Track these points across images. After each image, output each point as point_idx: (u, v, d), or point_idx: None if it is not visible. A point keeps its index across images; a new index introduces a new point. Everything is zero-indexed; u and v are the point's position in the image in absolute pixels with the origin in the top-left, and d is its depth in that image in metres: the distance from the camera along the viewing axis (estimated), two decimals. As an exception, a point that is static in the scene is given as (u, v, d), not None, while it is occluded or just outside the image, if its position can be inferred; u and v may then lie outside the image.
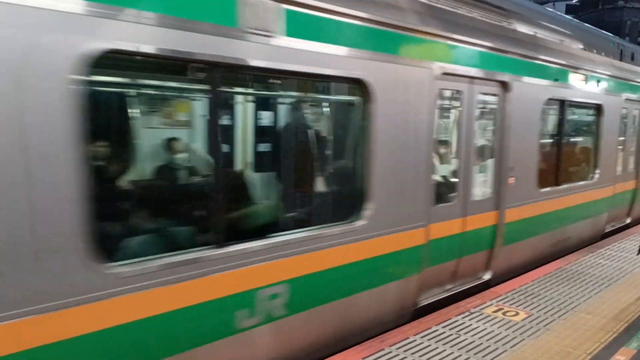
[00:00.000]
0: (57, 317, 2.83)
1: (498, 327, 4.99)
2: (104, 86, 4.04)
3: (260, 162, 4.84)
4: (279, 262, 3.92)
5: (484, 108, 6.12)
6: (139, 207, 4.04)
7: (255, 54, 3.62)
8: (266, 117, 4.94)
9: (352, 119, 4.88)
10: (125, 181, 4.05)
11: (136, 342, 3.21)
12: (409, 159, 4.98)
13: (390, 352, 4.42)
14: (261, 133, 4.99)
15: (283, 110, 5.33)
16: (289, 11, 3.76)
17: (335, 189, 5.05)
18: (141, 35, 3.05)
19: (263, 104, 5.17)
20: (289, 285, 4.02)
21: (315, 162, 5.06)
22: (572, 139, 8.67)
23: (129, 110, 4.36)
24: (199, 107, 4.75)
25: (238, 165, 4.41)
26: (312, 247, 4.17)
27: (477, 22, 5.89)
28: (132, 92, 4.36)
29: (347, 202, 4.77)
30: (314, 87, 5.02)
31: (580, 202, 8.16)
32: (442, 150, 5.95)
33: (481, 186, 6.23)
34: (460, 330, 4.92)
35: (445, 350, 4.49)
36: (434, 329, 4.92)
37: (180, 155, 4.51)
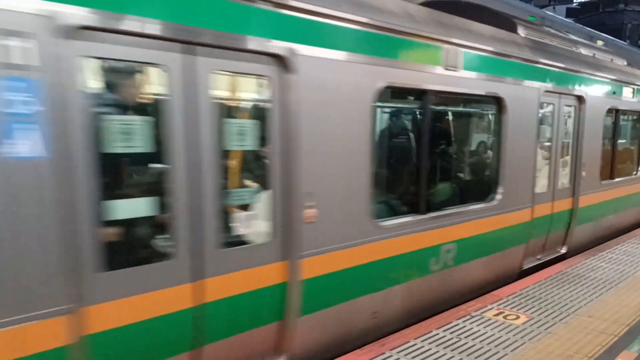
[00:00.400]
0: (357, 250, 4.56)
1: (499, 331, 4.98)
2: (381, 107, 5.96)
3: (443, 157, 6.44)
4: (452, 227, 5.61)
5: (566, 116, 7.83)
6: (387, 186, 5.65)
7: (448, 82, 5.38)
8: (445, 126, 6.64)
9: (492, 126, 6.67)
10: (383, 169, 5.69)
11: (390, 270, 4.97)
12: (524, 155, 6.64)
13: (391, 356, 4.42)
14: (444, 136, 6.66)
15: (451, 120, 6.99)
16: (465, 52, 5.52)
17: (482, 176, 6.91)
18: (401, 76, 4.87)
19: (446, 115, 6.88)
20: (456, 244, 5.70)
21: (472, 156, 7.10)
22: (622, 141, 10.21)
23: (392, 120, 6.28)
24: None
25: (434, 159, 5.94)
26: (468, 218, 5.85)
27: (561, 50, 7.67)
28: (390, 109, 6.29)
29: (488, 186, 6.41)
30: (473, 103, 6.89)
31: (628, 193, 9.97)
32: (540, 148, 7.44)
33: (563, 177, 7.86)
34: (461, 334, 4.91)
35: (445, 354, 4.48)
36: (434, 332, 4.92)
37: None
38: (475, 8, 7.03)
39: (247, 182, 4.01)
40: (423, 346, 4.62)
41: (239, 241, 3.83)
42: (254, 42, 3.65)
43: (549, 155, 7.48)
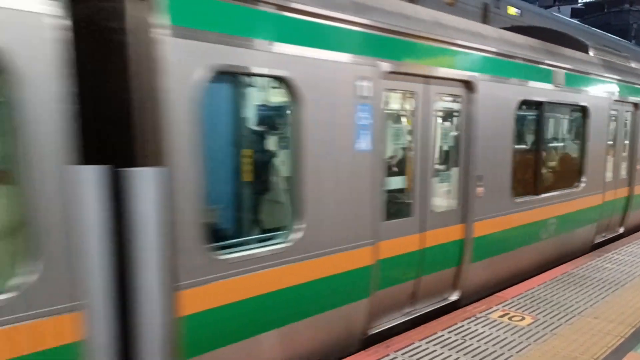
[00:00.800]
0: (502, 219, 6.35)
1: (504, 332, 4.98)
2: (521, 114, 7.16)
3: (550, 152, 8.10)
4: (553, 206, 7.39)
5: (626, 120, 9.72)
6: (517, 172, 6.75)
7: (556, 96, 7.24)
8: (552, 128, 8.34)
9: (578, 128, 8.35)
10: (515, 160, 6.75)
11: (520, 235, 6.76)
12: (599, 151, 8.49)
13: (396, 357, 4.42)
14: (552, 136, 8.42)
15: (555, 124, 8.68)
16: (566, 73, 7.38)
17: (573, 167, 8.26)
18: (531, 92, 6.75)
19: (553, 120, 8.52)
20: (557, 220, 7.49)
21: (566, 151, 8.57)
22: None
23: (519, 124, 7.25)
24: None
25: (545, 153, 7.61)
26: (564, 199, 7.69)
27: (620, 66, 9.38)
28: (526, 115, 7.53)
29: (576, 174, 8.15)
30: (566, 110, 8.48)
31: None
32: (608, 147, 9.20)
33: (623, 170, 9.70)
34: (466, 335, 4.92)
35: (451, 355, 4.49)
36: (439, 334, 4.92)
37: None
38: (553, 33, 8.88)
39: (446, 167, 5.78)
40: (428, 347, 4.62)
41: (440, 207, 5.63)
42: (458, 74, 5.51)
43: (613, 152, 9.28)
